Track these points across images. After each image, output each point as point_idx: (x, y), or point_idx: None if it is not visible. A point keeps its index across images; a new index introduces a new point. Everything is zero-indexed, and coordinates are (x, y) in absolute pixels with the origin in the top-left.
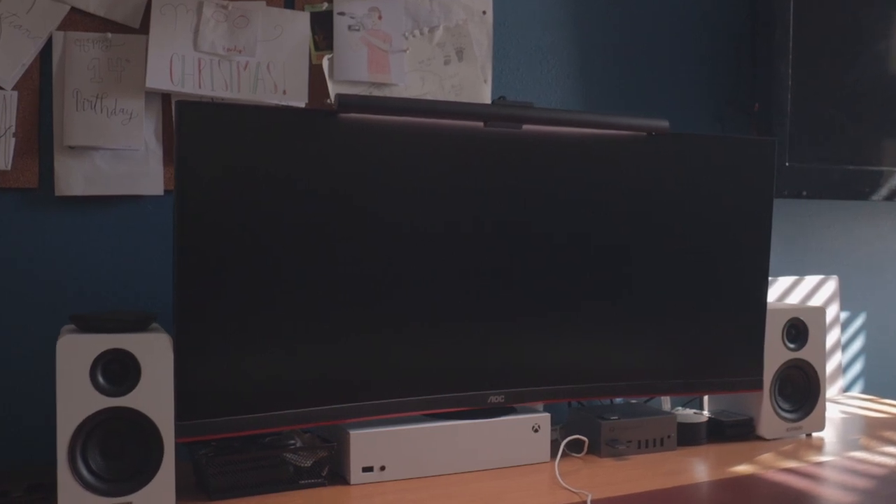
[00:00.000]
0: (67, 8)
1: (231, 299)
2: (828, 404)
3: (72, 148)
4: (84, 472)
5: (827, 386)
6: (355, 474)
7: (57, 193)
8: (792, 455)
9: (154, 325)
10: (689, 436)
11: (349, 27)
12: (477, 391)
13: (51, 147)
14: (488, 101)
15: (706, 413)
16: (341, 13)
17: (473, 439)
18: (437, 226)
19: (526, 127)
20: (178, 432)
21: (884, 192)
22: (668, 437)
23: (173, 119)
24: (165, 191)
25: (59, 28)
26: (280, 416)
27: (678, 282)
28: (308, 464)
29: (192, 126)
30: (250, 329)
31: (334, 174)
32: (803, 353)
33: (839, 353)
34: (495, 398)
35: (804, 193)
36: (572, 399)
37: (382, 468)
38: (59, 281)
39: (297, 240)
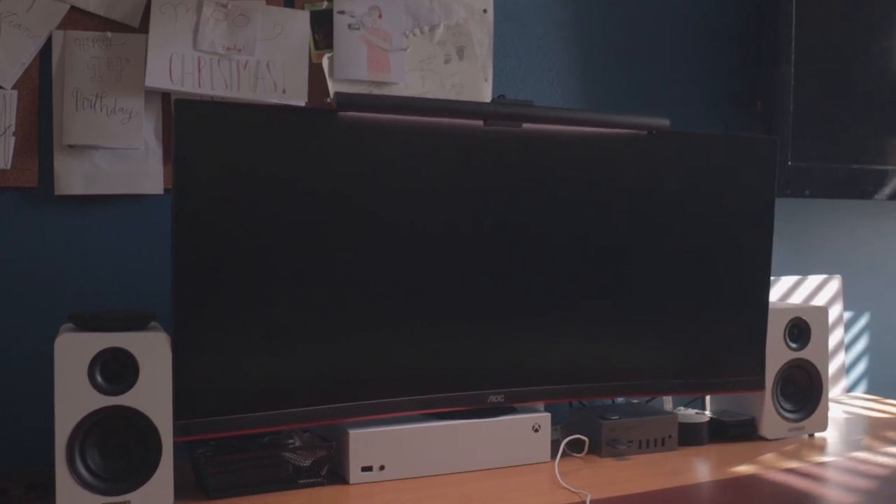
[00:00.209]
0: (67, 7)
1: (230, 298)
2: (831, 404)
3: (71, 147)
4: (82, 470)
5: (830, 386)
6: (354, 474)
7: (56, 192)
8: (794, 455)
9: (153, 323)
10: (690, 436)
11: (349, 26)
12: (477, 391)
13: (50, 146)
14: (489, 100)
15: (708, 413)
16: (341, 12)
17: (473, 439)
18: (437, 225)
19: (526, 126)
20: (177, 431)
21: (887, 191)
22: (670, 437)
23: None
24: (165, 190)
25: (59, 27)
26: (279, 416)
27: (680, 281)
28: (307, 463)
29: (190, 125)
30: (249, 328)
31: (333, 173)
32: (805, 353)
33: (842, 353)
34: (495, 398)
35: (807, 192)
36: (572, 399)
37: (382, 468)
38: (58, 280)
39: (296, 238)
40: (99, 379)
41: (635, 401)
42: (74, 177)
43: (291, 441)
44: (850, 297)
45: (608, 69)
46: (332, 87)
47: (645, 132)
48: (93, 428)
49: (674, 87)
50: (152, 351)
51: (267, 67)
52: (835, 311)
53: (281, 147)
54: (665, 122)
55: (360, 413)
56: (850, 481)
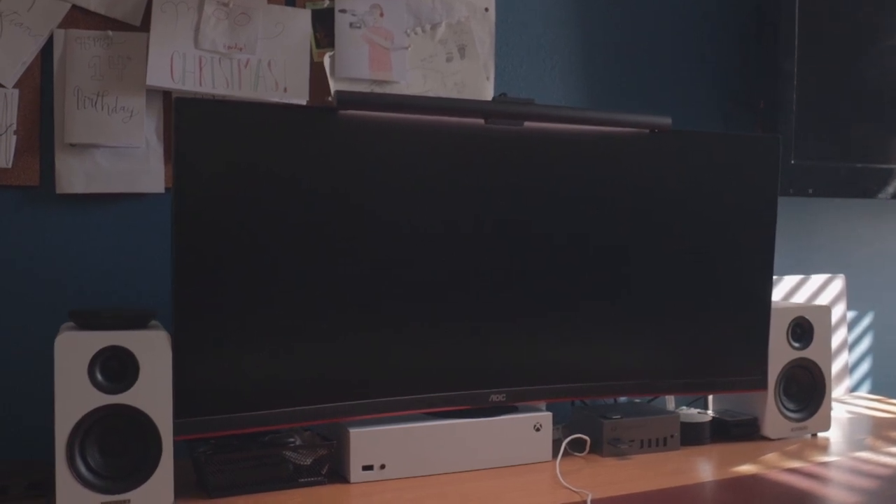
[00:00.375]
0: (68, 6)
1: (230, 296)
2: (834, 404)
3: (73, 146)
4: (82, 469)
5: (833, 386)
6: (355, 473)
7: (58, 191)
8: (796, 455)
9: (153, 322)
10: (692, 435)
11: (350, 24)
12: (478, 390)
13: (52, 145)
14: (490, 98)
15: (710, 413)
16: (343, 10)
17: (474, 438)
18: (437, 224)
19: (527, 124)
20: (177, 430)
21: (891, 190)
22: (672, 436)
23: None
24: (166, 188)
25: (60, 26)
26: (280, 414)
27: (682, 280)
28: (308, 462)
29: (189, 123)
30: (249, 326)
31: (334, 172)
32: (808, 353)
33: (846, 352)
34: (497, 397)
35: (810, 191)
36: (574, 398)
37: (382, 467)
38: (59, 279)
39: (296, 237)
40: (99, 377)
41: (637, 400)
42: (76, 175)
43: (292, 440)
44: (853, 296)
45: (610, 68)
46: (334, 86)
47: (647, 131)
48: (93, 426)
49: (675, 85)
50: (152, 349)
51: (268, 66)
52: (838, 311)
53: (281, 145)
54: (667, 121)
55: (361, 412)
56: (854, 481)
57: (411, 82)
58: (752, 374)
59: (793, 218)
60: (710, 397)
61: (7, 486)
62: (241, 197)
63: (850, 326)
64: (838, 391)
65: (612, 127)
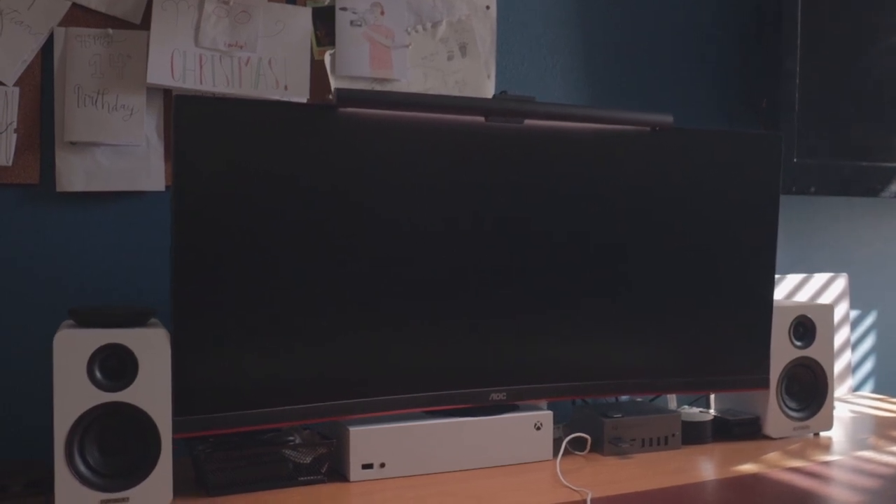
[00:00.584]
0: (68, 4)
1: (229, 294)
2: (836, 403)
3: (73, 144)
4: (81, 467)
5: (835, 385)
6: (355, 471)
7: (58, 189)
8: (798, 454)
9: (153, 320)
10: (694, 434)
11: (351, 22)
12: (479, 388)
13: (52, 143)
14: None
15: (712, 412)
16: (343, 8)
17: (475, 437)
18: (438, 221)
19: (527, 122)
20: (176, 428)
21: (894, 188)
22: (673, 435)
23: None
24: (166, 187)
25: (61, 24)
26: (279, 413)
27: (684, 279)
28: (307, 460)
29: (189, 120)
30: (249, 325)
31: (333, 169)
32: (811, 352)
33: (848, 351)
34: (497, 395)
35: (812, 190)
36: (575, 397)
37: (382, 465)
38: (59, 277)
39: (296, 235)
40: (98, 375)
41: (638, 399)
42: (76, 174)
43: (292, 438)
44: (856, 295)
45: (610, 68)
46: (334, 84)
47: (648, 128)
48: (92, 424)
49: (676, 85)
50: (152, 347)
51: (269, 64)
52: (841, 310)
53: (281, 143)
54: (668, 119)
55: (361, 410)
56: (856, 481)
57: (412, 80)
58: (754, 372)
59: (795, 216)
60: (712, 396)
61: (6, 484)
62: (241, 195)
63: (853, 325)
64: (841, 390)
65: (613, 125)
